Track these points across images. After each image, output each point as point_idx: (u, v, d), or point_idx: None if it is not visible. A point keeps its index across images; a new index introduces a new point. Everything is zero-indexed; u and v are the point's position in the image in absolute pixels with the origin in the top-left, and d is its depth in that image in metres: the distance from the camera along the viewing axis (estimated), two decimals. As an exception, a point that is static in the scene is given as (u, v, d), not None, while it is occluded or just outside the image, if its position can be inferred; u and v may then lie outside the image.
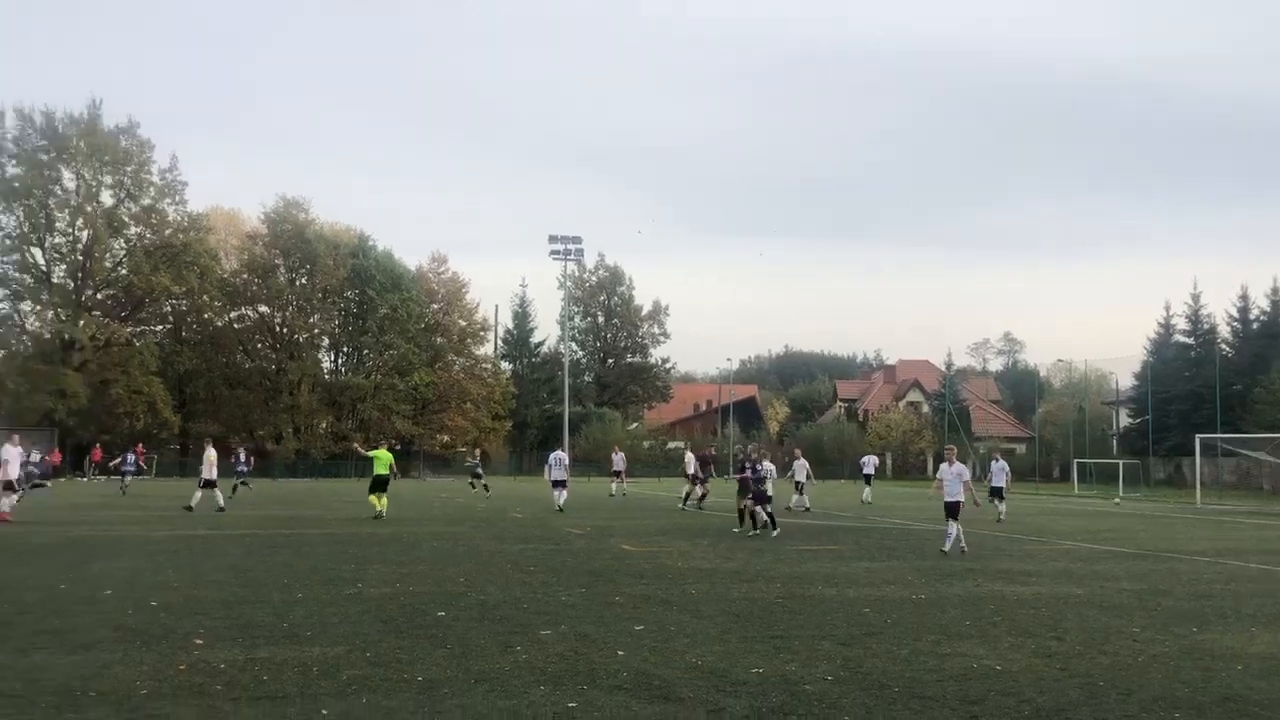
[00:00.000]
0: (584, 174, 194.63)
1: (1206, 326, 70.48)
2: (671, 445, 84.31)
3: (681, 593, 12.37)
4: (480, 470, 41.91)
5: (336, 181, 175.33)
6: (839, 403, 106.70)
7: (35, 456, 36.46)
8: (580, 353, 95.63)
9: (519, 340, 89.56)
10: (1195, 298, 70.26)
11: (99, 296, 65.37)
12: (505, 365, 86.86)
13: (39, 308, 64.18)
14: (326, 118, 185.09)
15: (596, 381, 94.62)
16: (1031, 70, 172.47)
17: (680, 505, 30.71)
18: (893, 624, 10.44)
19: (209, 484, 27.06)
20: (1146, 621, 10.93)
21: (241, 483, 34.29)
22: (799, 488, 30.69)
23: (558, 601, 11.54)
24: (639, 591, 12.42)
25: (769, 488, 22.49)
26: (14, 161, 60.77)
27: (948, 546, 17.73)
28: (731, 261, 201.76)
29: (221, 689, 7.14)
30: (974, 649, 9.14)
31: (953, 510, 18.04)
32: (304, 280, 71.69)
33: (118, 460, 45.90)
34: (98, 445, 56.92)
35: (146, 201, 64.78)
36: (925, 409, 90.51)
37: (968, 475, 18.48)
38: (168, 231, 65.06)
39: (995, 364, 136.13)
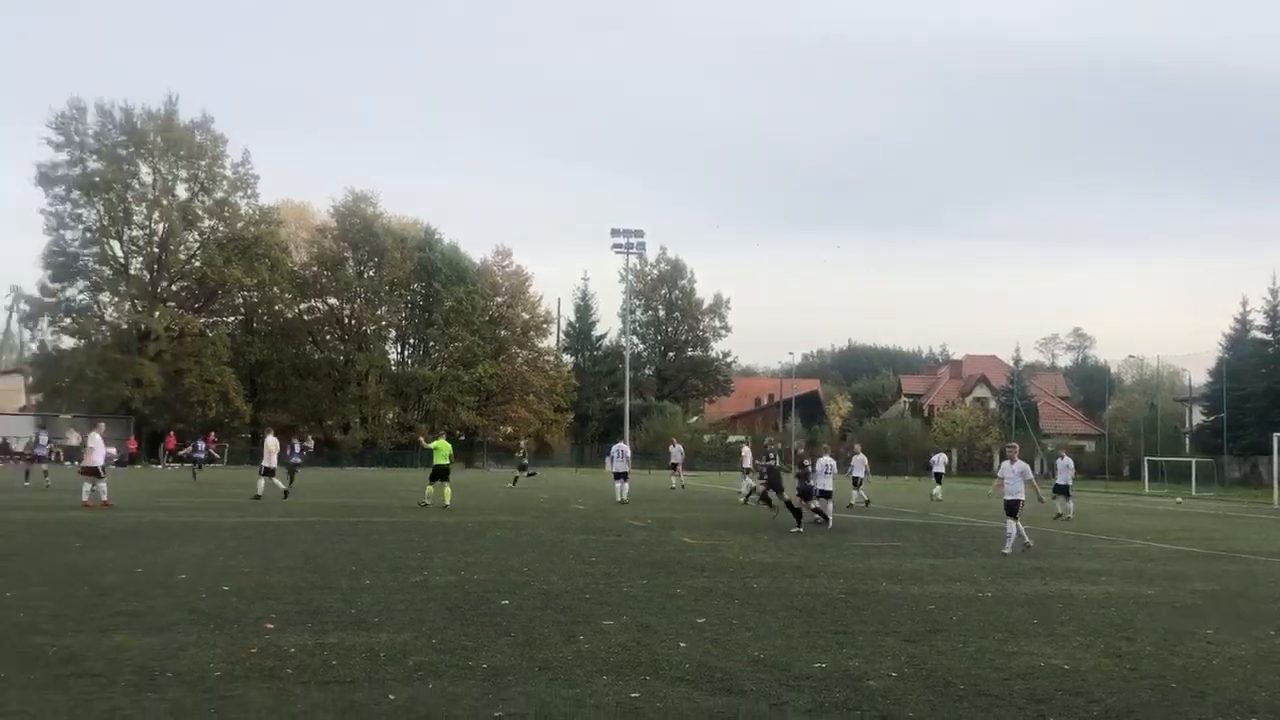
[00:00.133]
0: (647, 167, 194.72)
1: (1286, 322, 68.40)
2: (732, 439, 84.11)
3: (743, 586, 12.36)
4: (526, 463, 42.94)
5: (404, 175, 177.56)
6: (903, 398, 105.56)
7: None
8: (641, 346, 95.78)
9: (581, 333, 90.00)
10: (1274, 293, 68.22)
11: (174, 288, 66.99)
12: (567, 358, 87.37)
13: (117, 299, 65.98)
14: (394, 112, 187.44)
15: (657, 375, 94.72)
16: (1103, 58, 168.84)
17: (741, 500, 30.63)
18: (958, 621, 10.33)
19: (268, 471, 27.71)
20: (1221, 623, 10.67)
21: (290, 470, 33.87)
22: (857, 483, 30.40)
23: (619, 592, 11.59)
24: (700, 584, 12.43)
25: (824, 483, 22.42)
26: (95, 156, 62.48)
27: (1009, 548, 17.43)
28: (794, 254, 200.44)
29: (292, 672, 7.29)
30: (1041, 648, 9.01)
31: (1012, 509, 17.74)
32: (372, 273, 72.74)
33: (188, 448, 47.16)
34: (171, 433, 58.33)
35: (220, 195, 66.24)
36: (992, 405, 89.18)
37: (1030, 474, 18.16)
38: (240, 224, 66.44)
39: (1064, 360, 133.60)
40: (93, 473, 23.49)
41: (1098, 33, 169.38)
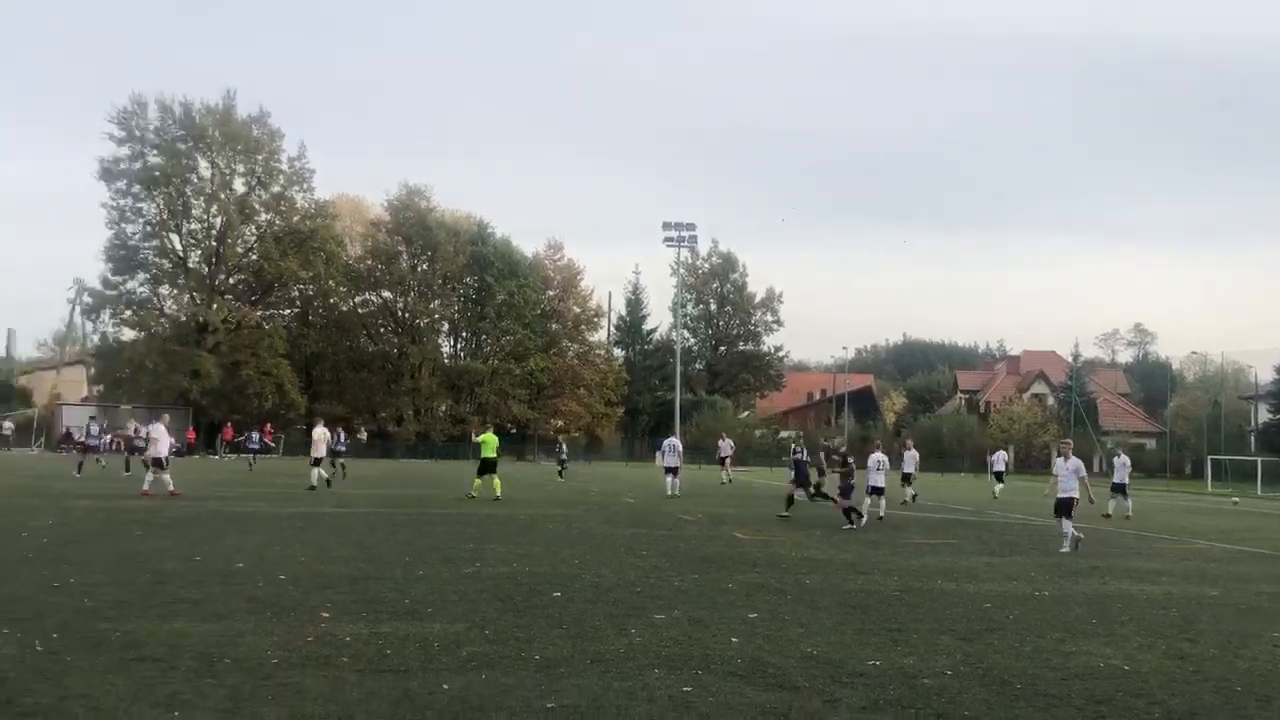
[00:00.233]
0: (699, 160, 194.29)
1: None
2: (784, 434, 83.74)
3: (795, 582, 12.28)
4: (565, 457, 44.27)
5: (457, 169, 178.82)
6: (959, 394, 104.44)
7: (139, 430, 38.18)
8: (692, 340, 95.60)
9: (631, 327, 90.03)
10: (1345, 288, 66.42)
11: (231, 281, 68.10)
12: (618, 352, 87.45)
13: (176, 291, 67.25)
14: (447, 106, 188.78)
15: (708, 369, 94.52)
16: (1167, 50, 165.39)
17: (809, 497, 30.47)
18: (1014, 620, 10.18)
19: (318, 461, 28.20)
20: (1288, 626, 10.40)
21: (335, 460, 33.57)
22: (908, 479, 30.05)
23: (670, 586, 11.57)
24: (752, 580, 12.38)
25: (876, 479, 22.34)
26: (155, 151, 63.69)
27: (1066, 547, 17.14)
28: (848, 247, 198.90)
29: (347, 661, 7.37)
30: (1100, 648, 8.85)
31: (1064, 507, 17.44)
32: (425, 266, 73.39)
33: (242, 438, 48.03)
34: (228, 424, 59.33)
35: (276, 189, 67.22)
36: (1050, 401, 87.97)
37: (1084, 471, 17.83)
38: (296, 218, 67.37)
39: (1125, 356, 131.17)
40: (156, 463, 23.97)
41: (1158, 23, 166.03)
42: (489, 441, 26.46)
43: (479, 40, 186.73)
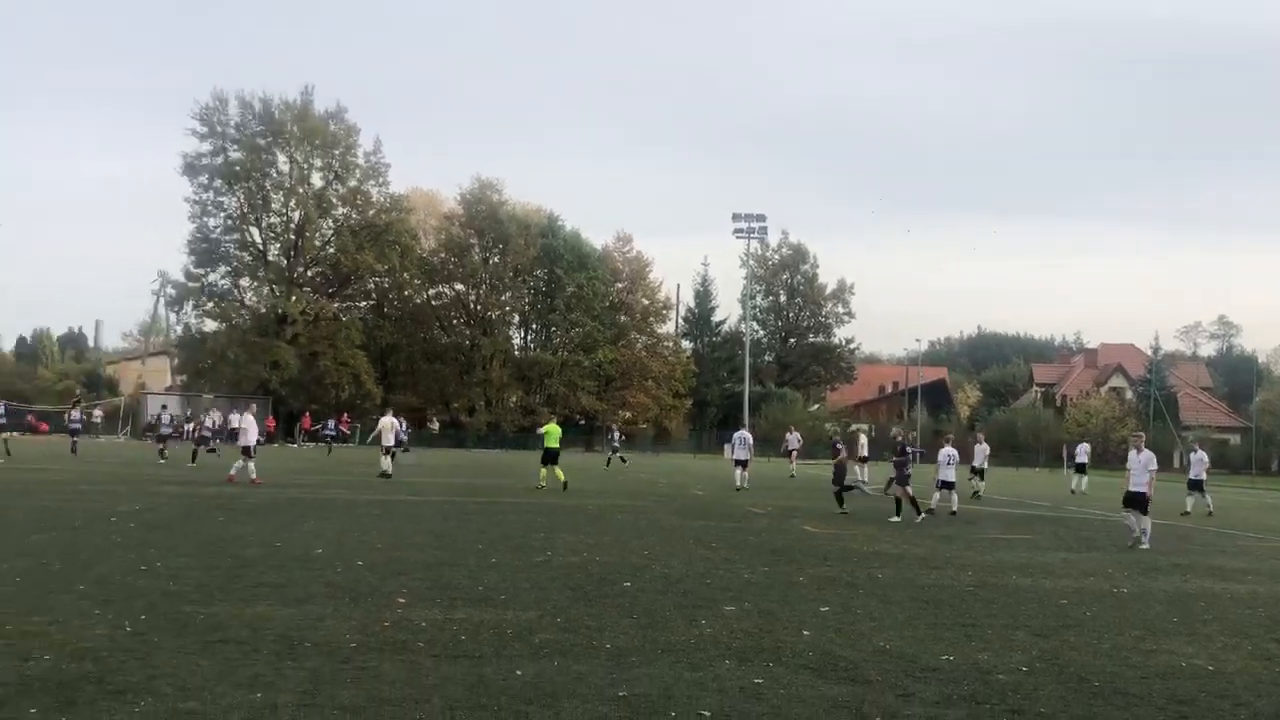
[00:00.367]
0: (769, 151, 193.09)
1: None
2: (854, 428, 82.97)
3: (867, 576, 12.19)
4: (617, 446, 45.05)
5: (528, 162, 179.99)
6: (1035, 387, 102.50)
7: (214, 420, 39.12)
8: (761, 332, 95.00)
9: (700, 319, 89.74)
10: None
11: (309, 273, 69.41)
12: (686, 344, 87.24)
13: (256, 284, 68.73)
14: (519, 100, 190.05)
15: (777, 361, 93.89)
16: (1250, 42, 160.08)
17: (866, 491, 30.21)
18: (1092, 617, 9.99)
19: (387, 450, 28.77)
20: (1381, 629, 10.06)
21: (401, 449, 33.64)
22: (980, 473, 29.50)
23: (740, 579, 11.57)
24: (823, 573, 12.32)
25: (946, 473, 22.32)
26: (236, 146, 65.13)
27: (1146, 543, 16.77)
28: (921, 238, 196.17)
29: (423, 646, 7.50)
30: (1182, 647, 8.65)
31: (1134, 501, 17.03)
32: (496, 259, 74.02)
33: (319, 427, 48.95)
34: (307, 414, 60.53)
35: (353, 183, 68.26)
36: (1129, 395, 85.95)
37: (1155, 465, 17.39)
38: (371, 212, 68.38)
39: (1207, 349, 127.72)
40: (245, 451, 24.86)
41: (1239, 10, 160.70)
42: (552, 432, 26.90)
43: (550, 33, 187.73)
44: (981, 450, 29.97)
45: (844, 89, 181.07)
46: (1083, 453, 36.70)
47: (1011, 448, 73.14)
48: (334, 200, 68.21)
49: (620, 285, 79.42)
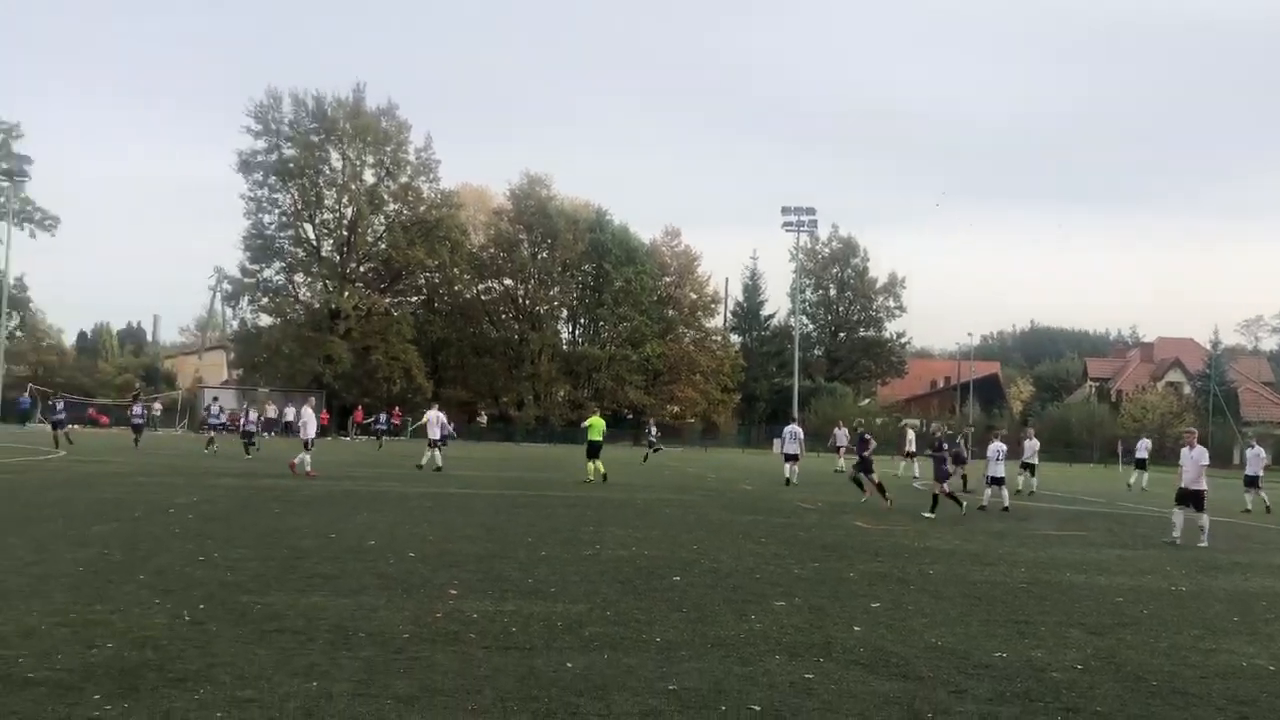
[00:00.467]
0: (818, 144, 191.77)
1: None
2: (905, 422, 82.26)
3: (919, 572, 12.10)
4: (653, 440, 45.39)
5: (576, 156, 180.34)
6: (1089, 382, 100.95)
7: (254, 414, 39.64)
8: (811, 326, 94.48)
9: (749, 313, 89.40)
10: None
11: (361, 269, 70.17)
12: (735, 338, 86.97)
13: (310, 279, 69.66)
14: (568, 94, 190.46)
15: (827, 355, 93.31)
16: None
17: (914, 484, 29.99)
18: (1149, 615, 9.84)
19: (434, 443, 29.06)
20: None
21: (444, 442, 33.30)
22: (1030, 469, 29.08)
23: (790, 574, 11.53)
24: (874, 569, 12.24)
25: (995, 469, 22.34)
26: (289, 144, 65.99)
27: (1204, 540, 16.46)
28: (974, 231, 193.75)
29: (475, 637, 7.58)
30: (1243, 646, 8.49)
31: (1188, 497, 16.72)
32: (545, 254, 74.31)
33: (372, 420, 49.34)
34: (359, 407, 61.21)
35: (404, 179, 68.88)
36: (1187, 390, 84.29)
37: (1206, 460, 17.06)
38: (422, 208, 68.97)
39: (1269, 343, 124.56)
40: (305, 444, 25.49)
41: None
42: (595, 425, 27.17)
43: (600, 27, 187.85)
44: (1031, 446, 29.52)
45: (893, 81, 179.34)
46: (1143, 449, 35.98)
47: (1065, 443, 72.06)
48: (385, 196, 68.88)
49: (668, 279, 79.36)
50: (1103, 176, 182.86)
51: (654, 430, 47.34)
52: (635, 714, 5.82)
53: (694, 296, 80.00)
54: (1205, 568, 13.74)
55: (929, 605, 9.83)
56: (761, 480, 31.20)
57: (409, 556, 11.51)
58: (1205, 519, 16.69)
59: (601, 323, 76.54)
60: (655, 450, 44.16)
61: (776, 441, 51.81)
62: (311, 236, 68.73)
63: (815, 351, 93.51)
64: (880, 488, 22.54)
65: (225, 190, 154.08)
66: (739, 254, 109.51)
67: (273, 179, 66.42)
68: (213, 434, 35.57)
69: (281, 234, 68.30)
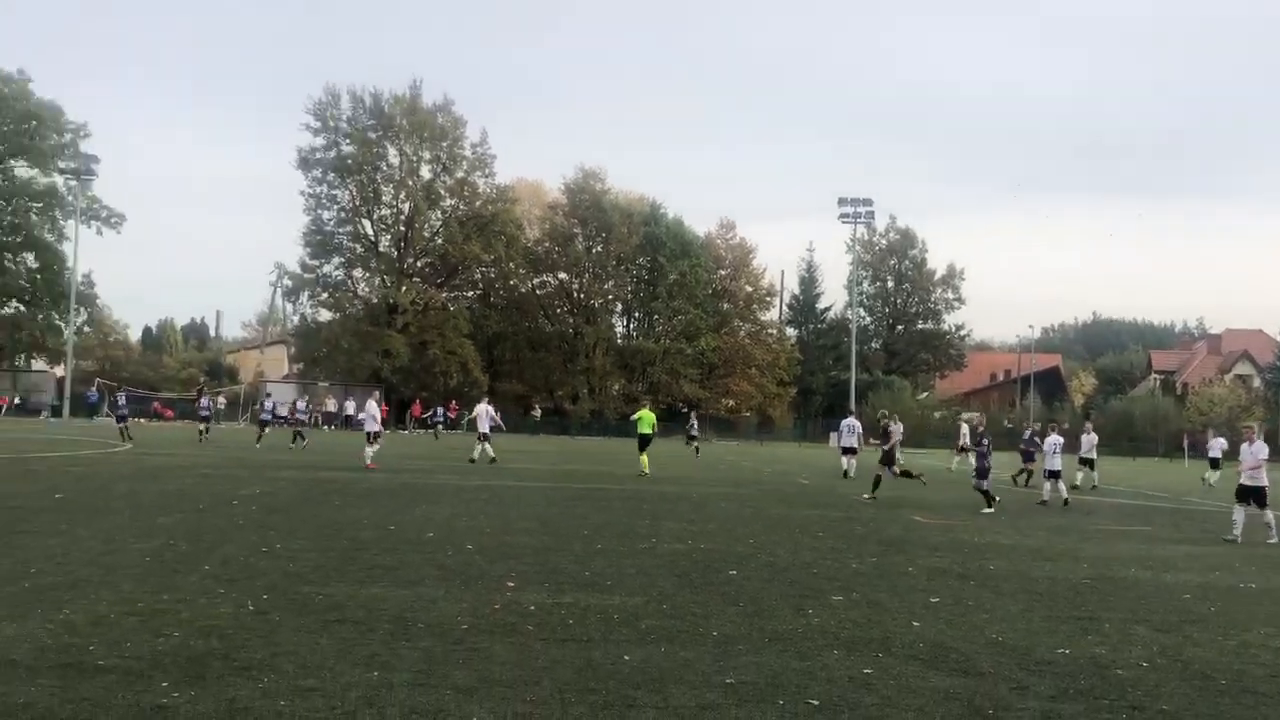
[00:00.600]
0: (876, 135, 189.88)
1: None
2: (966, 416, 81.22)
3: (979, 568, 11.95)
4: (695, 433, 46.06)
5: (631, 150, 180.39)
6: (1153, 374, 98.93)
7: (302, 406, 40.16)
8: (868, 318, 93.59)
9: (805, 306, 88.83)
10: None
11: (418, 264, 70.92)
12: (790, 331, 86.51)
13: (368, 274, 70.57)
14: (621, 87, 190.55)
15: (884, 348, 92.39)
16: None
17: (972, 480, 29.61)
18: (1217, 613, 9.63)
19: (484, 436, 29.30)
20: None
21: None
22: (1089, 464, 28.52)
23: (848, 568, 11.45)
24: (933, 564, 12.11)
25: (1053, 462, 22.16)
26: (348, 140, 66.83)
27: (1274, 537, 16.07)
28: (1034, 222, 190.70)
29: (532, 629, 7.62)
30: (1316, 646, 8.26)
31: (1249, 494, 16.29)
32: (599, 248, 74.49)
33: (429, 414, 49.84)
34: (417, 401, 61.85)
35: (460, 175, 69.46)
36: (1256, 383, 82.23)
37: (1265, 454, 16.64)
38: (478, 203, 69.51)
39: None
40: (369, 437, 26.04)
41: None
42: (645, 419, 27.17)
43: (650, 20, 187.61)
44: (1089, 440, 28.93)
45: (951, 70, 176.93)
46: (1217, 447, 35.08)
47: (1129, 437, 70.74)
48: (442, 192, 69.52)
49: (723, 272, 79.13)
50: (1166, 166, 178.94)
51: (695, 423, 47.45)
52: (692, 707, 5.82)
53: (749, 289, 79.71)
54: (1276, 565, 13.42)
55: (989, 601, 9.71)
56: (818, 474, 31.03)
57: (466, 549, 11.61)
58: (1270, 515, 16.28)
59: (656, 316, 76.56)
60: (691, 442, 44.59)
61: (833, 435, 51.57)
62: (370, 232, 69.61)
63: (872, 344, 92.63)
64: (888, 477, 22.35)
65: (286, 187, 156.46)
66: (795, 246, 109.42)
67: (331, 175, 67.39)
68: (265, 430, 36.17)
69: (340, 230, 69.27)
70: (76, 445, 31.58)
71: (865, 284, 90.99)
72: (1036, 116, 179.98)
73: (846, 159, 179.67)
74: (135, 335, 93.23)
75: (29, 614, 7.44)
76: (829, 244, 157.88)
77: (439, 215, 69.90)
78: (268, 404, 39.00)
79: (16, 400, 63.98)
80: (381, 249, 69.51)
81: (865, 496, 21.31)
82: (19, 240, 67.39)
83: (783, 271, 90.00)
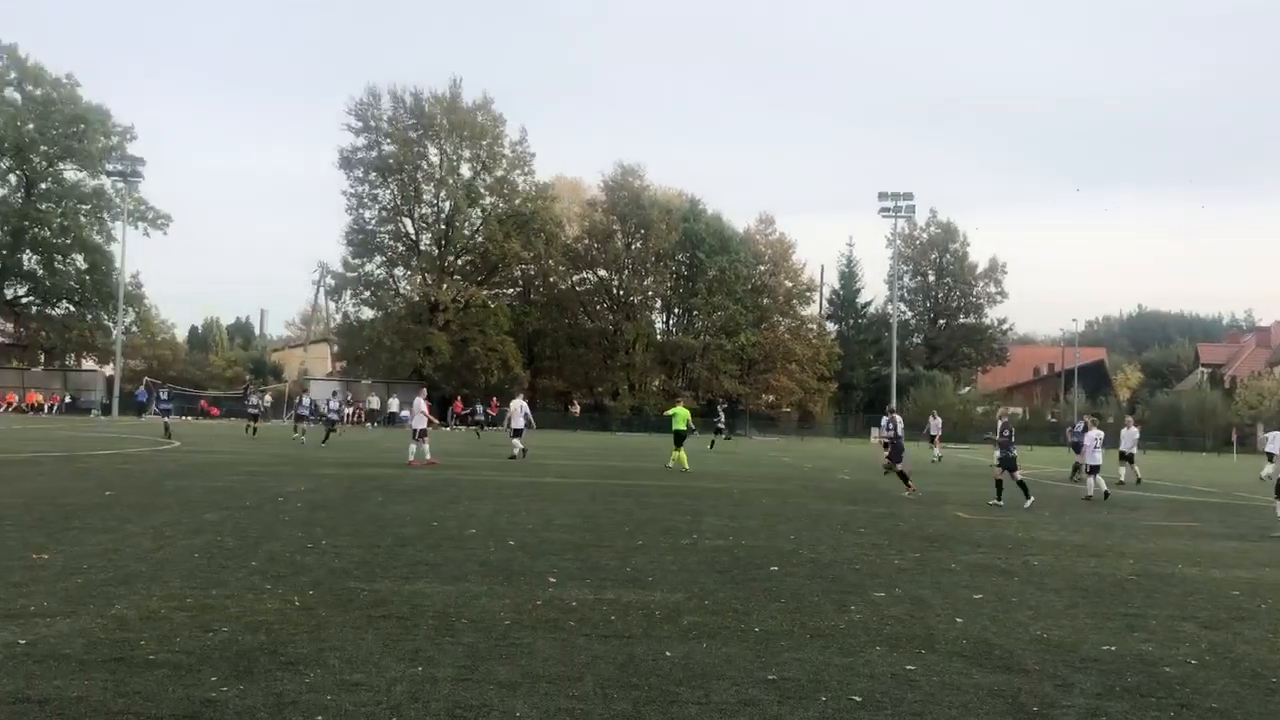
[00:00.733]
0: (916, 128, 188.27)
1: None
2: (1012, 410, 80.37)
3: (1023, 564, 11.84)
4: (721, 427, 46.32)
5: (670, 146, 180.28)
6: (1201, 368, 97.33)
7: (335, 402, 40.49)
8: (909, 313, 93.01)
9: (845, 301, 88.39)
10: None
11: (459, 262, 71.38)
12: (831, 326, 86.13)
13: (409, 273, 71.15)
14: (662, 83, 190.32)
15: (926, 343, 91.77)
16: None
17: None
18: (1268, 610, 9.48)
19: (517, 432, 29.48)
20: None
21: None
22: (1129, 459, 28.10)
23: (890, 565, 11.39)
24: (976, 560, 12.02)
25: (1094, 457, 21.97)
26: (389, 140, 67.39)
27: None
28: (1077, 215, 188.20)
29: (574, 625, 7.66)
30: (1370, 644, 8.11)
31: None
32: (639, 244, 74.56)
33: (470, 410, 50.11)
34: (458, 398, 62.24)
35: (499, 173, 69.82)
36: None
37: None
38: (518, 201, 69.80)
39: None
40: (415, 434, 26.49)
41: None
42: (680, 414, 27.37)
43: (689, 16, 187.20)
44: (1129, 435, 28.50)
45: (991, 63, 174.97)
46: (1275, 440, 34.43)
47: (1176, 431, 69.72)
48: (482, 190, 69.90)
49: (763, 268, 78.93)
50: (1213, 156, 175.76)
51: (723, 419, 47.50)
52: (734, 703, 5.82)
53: (789, 285, 79.44)
54: (1329, 561, 13.16)
55: (1033, 597, 9.62)
56: (860, 469, 30.87)
57: (508, 545, 11.68)
58: None
59: (695, 312, 76.51)
60: (719, 435, 44.72)
61: (874, 430, 51.25)
62: (411, 231, 70.13)
63: (914, 339, 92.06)
64: (903, 476, 22.21)
65: (329, 186, 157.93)
66: (835, 241, 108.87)
67: (373, 175, 68.00)
68: (303, 426, 36.63)
69: (382, 229, 69.86)
70: (125, 443, 32.11)
71: (906, 278, 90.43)
72: (1083, 107, 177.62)
73: (887, 152, 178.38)
74: (182, 334, 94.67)
75: (82, 609, 7.60)
76: (869, 238, 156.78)
77: (479, 213, 70.29)
78: (305, 400, 39.44)
79: (67, 399, 65.28)
80: (422, 247, 70.03)
81: (906, 493, 21.18)
82: (68, 242, 68.71)
83: (822, 266, 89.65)
